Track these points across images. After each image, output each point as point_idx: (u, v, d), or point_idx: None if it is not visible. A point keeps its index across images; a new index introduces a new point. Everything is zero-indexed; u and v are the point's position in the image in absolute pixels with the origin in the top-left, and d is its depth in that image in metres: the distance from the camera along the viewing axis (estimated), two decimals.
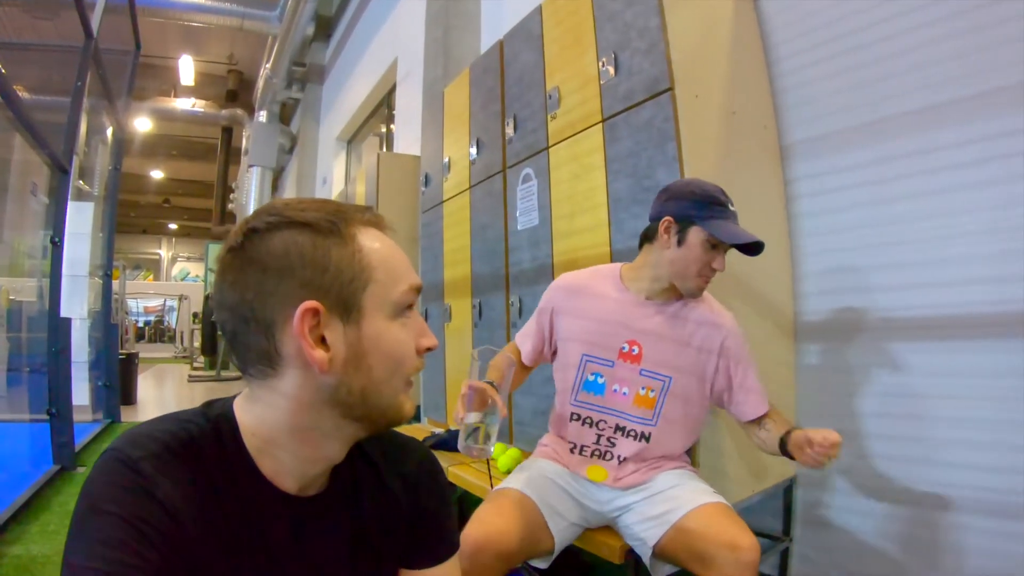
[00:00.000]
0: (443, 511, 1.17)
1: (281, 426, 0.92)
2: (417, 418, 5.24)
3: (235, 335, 0.90)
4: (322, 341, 0.87)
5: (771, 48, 2.87)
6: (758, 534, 2.75)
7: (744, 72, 2.77)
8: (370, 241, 0.92)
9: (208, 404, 0.98)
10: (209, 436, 0.91)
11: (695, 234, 1.99)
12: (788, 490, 2.74)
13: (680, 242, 2.03)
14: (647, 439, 2.08)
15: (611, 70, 2.66)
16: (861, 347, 2.55)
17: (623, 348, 2.09)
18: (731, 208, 2.00)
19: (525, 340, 2.30)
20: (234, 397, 0.98)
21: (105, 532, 0.77)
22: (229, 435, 0.92)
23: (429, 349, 0.98)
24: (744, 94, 2.73)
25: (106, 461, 0.84)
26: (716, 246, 1.99)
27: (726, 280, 2.45)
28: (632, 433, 2.09)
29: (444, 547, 1.16)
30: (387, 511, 1.08)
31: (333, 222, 0.90)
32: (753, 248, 1.98)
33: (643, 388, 2.07)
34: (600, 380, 2.11)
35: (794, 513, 2.75)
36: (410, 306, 0.96)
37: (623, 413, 2.09)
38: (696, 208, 2.00)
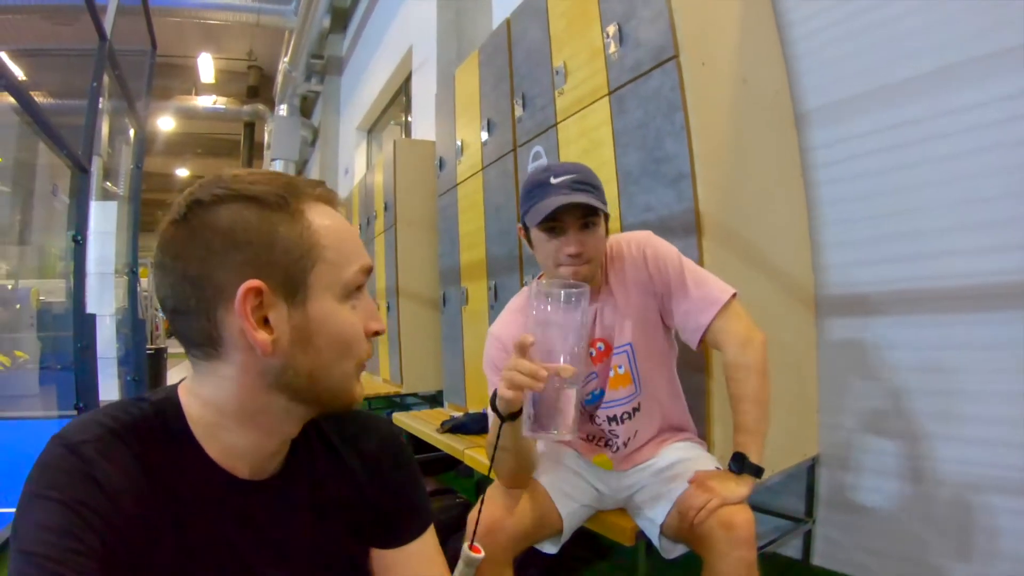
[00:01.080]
0: (409, 487, 1.13)
1: (227, 409, 0.89)
2: (439, 402, 5.24)
3: (176, 314, 0.86)
4: (265, 322, 0.84)
5: (782, 13, 2.80)
6: (778, 515, 2.74)
7: (755, 39, 2.70)
8: (320, 218, 0.89)
9: (154, 390, 0.95)
10: (152, 420, 0.88)
11: (533, 232, 1.88)
12: (810, 470, 2.68)
13: (531, 243, 1.94)
14: (638, 410, 2.00)
15: (616, 42, 2.61)
16: (884, 320, 2.48)
17: (592, 353, 1.98)
18: (553, 181, 1.81)
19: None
20: (180, 382, 0.95)
21: (47, 517, 0.75)
22: (174, 418, 0.89)
23: (377, 333, 0.94)
24: (755, 61, 2.66)
25: (50, 447, 0.82)
26: (552, 230, 1.83)
27: (743, 254, 2.40)
28: (625, 415, 2.00)
29: (415, 524, 1.12)
30: (348, 492, 1.05)
31: (282, 196, 0.86)
32: (584, 209, 1.78)
33: (613, 369, 1.96)
34: (595, 393, 2.00)
35: (817, 494, 2.69)
36: (360, 287, 0.92)
37: (609, 403, 1.99)
38: (524, 203, 1.89)
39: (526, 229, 1.93)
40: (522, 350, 1.42)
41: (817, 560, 2.69)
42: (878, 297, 2.48)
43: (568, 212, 1.78)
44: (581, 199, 1.75)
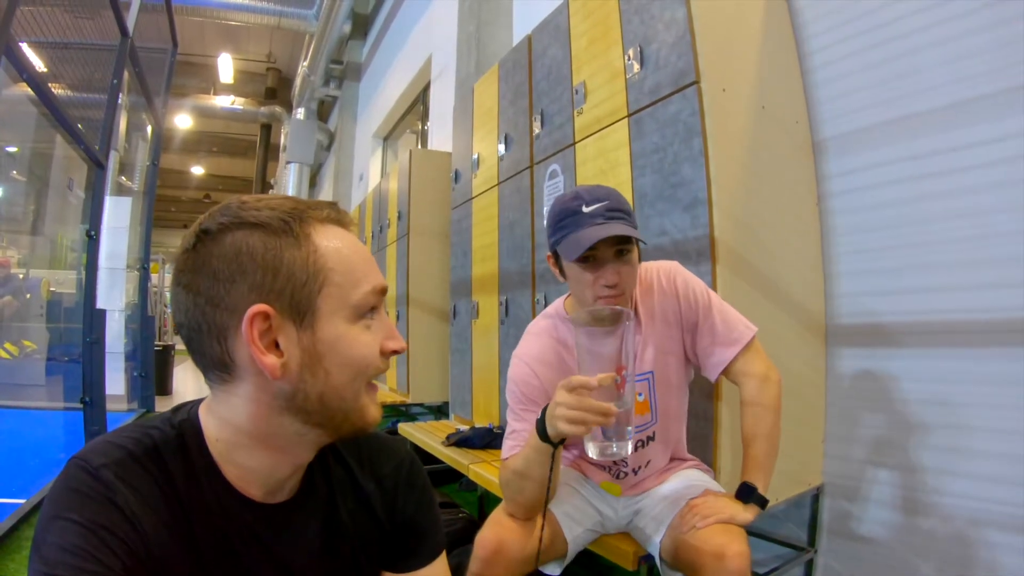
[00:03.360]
0: (423, 514, 1.13)
1: (242, 433, 0.90)
2: (445, 413, 5.24)
3: (191, 340, 0.88)
4: (275, 346, 0.85)
5: (803, 41, 2.79)
6: (781, 543, 2.72)
7: (775, 65, 2.70)
8: (327, 241, 0.89)
9: (176, 409, 0.97)
10: (173, 443, 0.90)
11: (565, 262, 1.84)
12: (815, 498, 2.66)
13: (563, 273, 1.90)
14: (652, 439, 2.01)
15: (637, 64, 2.61)
16: (893, 351, 2.46)
17: (617, 380, 1.97)
18: (586, 210, 1.76)
19: (519, 444, 1.89)
20: (201, 401, 0.96)
21: (66, 539, 0.77)
22: (193, 441, 0.91)
23: (395, 352, 0.95)
24: (775, 88, 2.66)
25: (69, 469, 0.84)
26: (588, 260, 1.78)
27: (756, 282, 2.40)
28: (639, 443, 1.99)
29: (426, 550, 1.13)
30: (363, 515, 1.06)
31: (286, 222, 0.87)
32: (619, 238, 1.75)
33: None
34: None
35: (820, 523, 2.67)
36: (374, 308, 0.93)
37: None
38: (553, 232, 1.84)
39: (556, 257, 1.89)
40: (586, 390, 1.43)
41: None
42: (889, 328, 2.47)
43: (604, 243, 1.74)
44: (618, 230, 1.72)
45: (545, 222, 1.92)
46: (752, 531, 2.75)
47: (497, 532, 1.81)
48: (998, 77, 2.14)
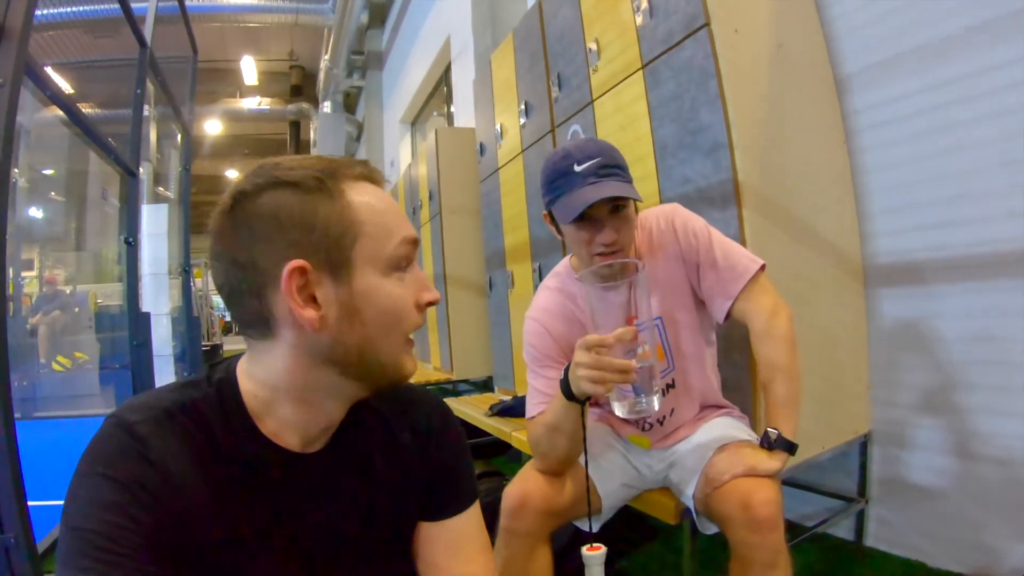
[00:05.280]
0: (458, 462, 1.15)
1: (280, 386, 0.92)
2: (490, 388, 5.25)
3: (230, 297, 0.90)
4: (313, 300, 0.87)
5: None
6: (830, 495, 2.69)
7: (788, 3, 2.64)
8: (360, 196, 0.91)
9: (212, 367, 0.99)
10: (211, 400, 0.92)
11: (561, 224, 1.82)
12: (863, 447, 2.62)
13: (560, 232, 1.88)
14: (672, 386, 1.97)
15: (646, 14, 2.58)
16: (934, 289, 2.41)
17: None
18: (577, 168, 1.73)
19: (544, 402, 1.87)
20: (238, 358, 0.99)
21: (98, 493, 0.79)
22: (231, 397, 0.93)
23: (431, 303, 0.97)
24: (790, 27, 2.60)
25: (105, 426, 0.86)
26: (584, 219, 1.74)
27: (785, 225, 2.36)
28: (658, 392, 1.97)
29: (462, 498, 1.14)
30: (398, 465, 1.07)
31: (320, 179, 0.89)
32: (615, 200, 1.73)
33: (641, 345, 1.93)
34: None
35: (869, 472, 2.62)
36: (408, 259, 0.94)
37: None
38: (547, 192, 1.83)
39: (551, 216, 1.88)
40: (602, 348, 1.42)
41: (870, 541, 2.64)
42: (928, 265, 2.41)
43: (598, 201, 1.70)
44: (612, 190, 1.70)
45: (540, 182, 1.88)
46: (800, 483, 2.74)
47: (522, 486, 1.82)
48: None
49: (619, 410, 1.50)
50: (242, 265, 0.87)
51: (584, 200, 1.69)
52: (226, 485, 0.89)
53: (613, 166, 1.76)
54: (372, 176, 0.95)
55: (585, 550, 1.42)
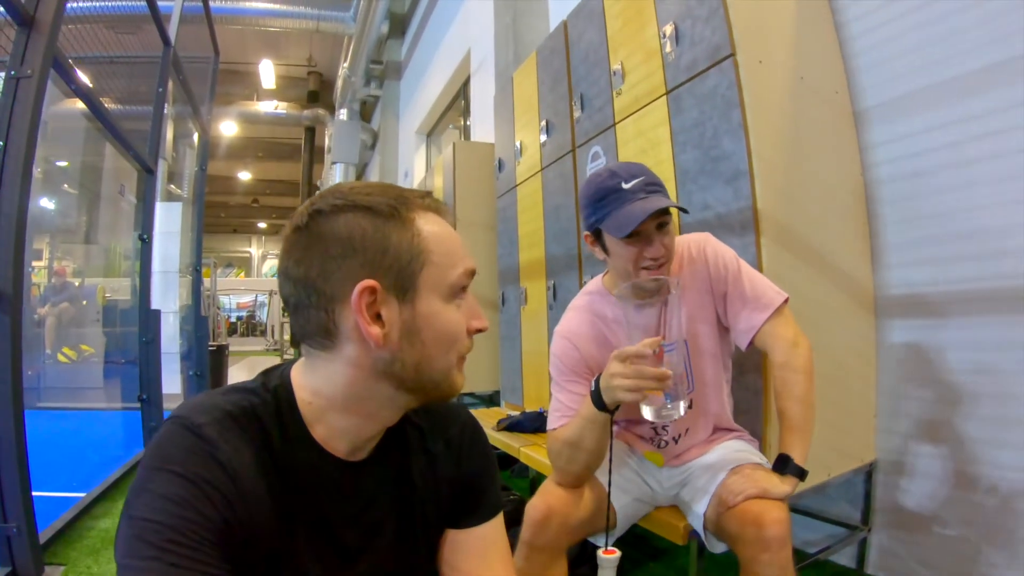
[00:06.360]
0: (485, 474, 1.20)
1: (337, 395, 0.96)
2: (496, 402, 5.28)
3: (297, 308, 0.94)
4: (378, 318, 0.91)
5: (839, 10, 2.79)
6: (833, 522, 2.71)
7: (811, 36, 2.70)
8: (428, 225, 0.96)
9: (266, 373, 1.03)
10: (269, 405, 0.96)
11: (608, 238, 1.89)
12: (868, 476, 2.64)
13: (605, 250, 1.94)
14: (690, 406, 2.01)
15: (672, 41, 2.63)
16: (944, 321, 2.44)
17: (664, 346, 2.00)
18: (625, 186, 1.81)
19: (567, 415, 1.93)
20: (291, 365, 1.03)
21: (168, 488, 0.82)
22: (286, 403, 0.97)
23: (479, 331, 1.02)
24: (812, 59, 2.65)
25: (170, 426, 0.89)
26: (633, 235, 1.80)
27: (801, 253, 2.39)
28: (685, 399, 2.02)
29: (488, 508, 1.19)
30: (431, 474, 1.13)
31: (394, 207, 0.93)
32: (659, 213, 1.78)
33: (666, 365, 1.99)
34: None
35: (873, 500, 2.64)
36: (464, 288, 0.99)
37: None
38: (593, 212, 1.87)
39: (595, 236, 1.93)
40: (638, 359, 1.52)
41: (871, 569, 2.65)
42: (939, 298, 2.45)
43: (648, 217, 1.77)
44: (664, 203, 1.77)
45: (581, 203, 1.94)
46: (804, 510, 2.77)
47: (546, 499, 1.87)
48: None
49: (648, 414, 1.57)
50: (313, 280, 0.91)
51: (642, 211, 1.76)
52: (283, 489, 0.93)
53: (657, 184, 1.85)
54: (439, 208, 1.00)
55: (601, 553, 1.48)
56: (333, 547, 0.99)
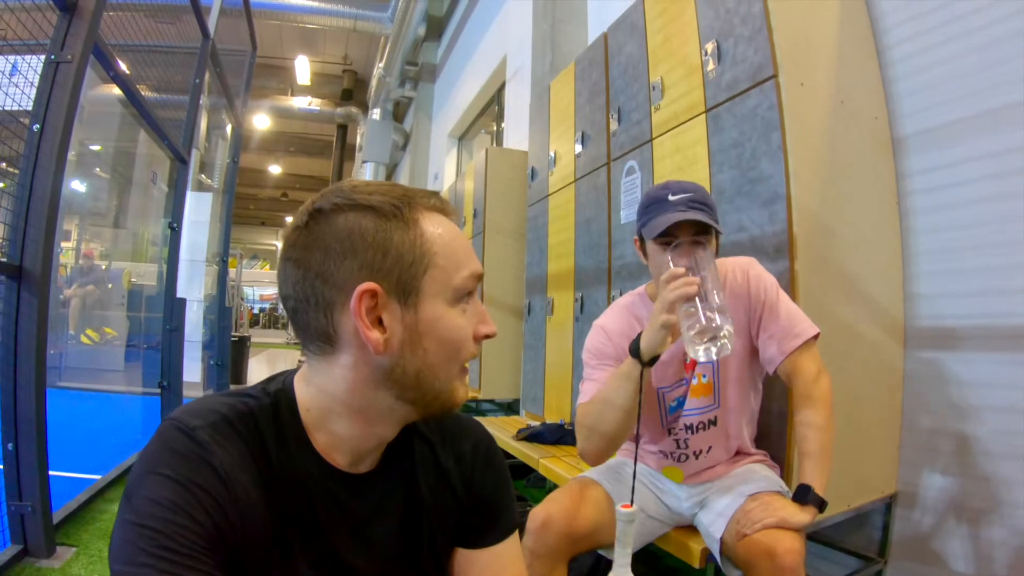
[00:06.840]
0: (499, 493, 1.17)
1: (336, 402, 0.94)
2: (515, 410, 5.27)
3: (296, 312, 0.92)
4: (379, 322, 0.89)
5: (881, 34, 2.75)
6: (850, 553, 2.68)
7: (853, 60, 2.66)
8: (433, 227, 0.93)
9: (270, 379, 1.02)
10: (267, 410, 0.95)
11: (648, 244, 1.98)
12: (887, 508, 2.60)
13: (647, 256, 2.02)
14: (714, 423, 2.05)
15: (714, 59, 2.62)
16: (974, 356, 2.39)
17: (686, 360, 2.02)
18: (671, 198, 1.90)
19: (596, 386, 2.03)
20: (295, 371, 1.02)
21: (159, 493, 0.81)
22: (287, 409, 0.96)
23: (487, 336, 0.99)
24: (853, 83, 2.62)
25: (164, 428, 0.88)
26: (667, 241, 1.87)
27: (834, 279, 2.37)
28: (700, 426, 2.04)
29: (501, 528, 1.16)
30: (441, 491, 1.10)
31: (397, 206, 0.91)
32: (697, 226, 1.87)
33: (697, 377, 2.03)
34: (679, 400, 2.05)
35: (891, 533, 2.60)
36: (470, 293, 0.97)
37: (688, 411, 2.04)
38: (640, 216, 1.99)
39: (642, 241, 2.02)
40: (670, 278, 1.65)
41: None
42: (969, 332, 2.40)
43: (682, 228, 1.85)
44: (695, 216, 1.83)
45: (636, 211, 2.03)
46: (822, 540, 2.73)
47: (547, 507, 1.93)
48: None
49: (697, 351, 1.60)
50: (312, 281, 0.89)
51: (670, 219, 1.84)
52: (277, 496, 0.91)
53: (704, 202, 1.91)
54: (445, 208, 0.98)
55: (620, 507, 1.50)
56: (331, 560, 0.96)
